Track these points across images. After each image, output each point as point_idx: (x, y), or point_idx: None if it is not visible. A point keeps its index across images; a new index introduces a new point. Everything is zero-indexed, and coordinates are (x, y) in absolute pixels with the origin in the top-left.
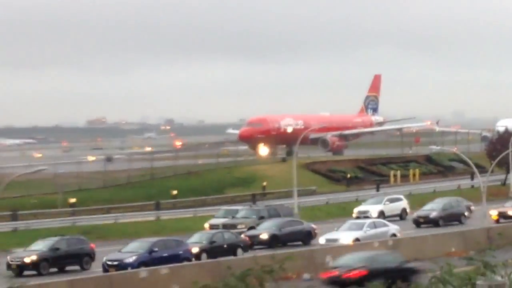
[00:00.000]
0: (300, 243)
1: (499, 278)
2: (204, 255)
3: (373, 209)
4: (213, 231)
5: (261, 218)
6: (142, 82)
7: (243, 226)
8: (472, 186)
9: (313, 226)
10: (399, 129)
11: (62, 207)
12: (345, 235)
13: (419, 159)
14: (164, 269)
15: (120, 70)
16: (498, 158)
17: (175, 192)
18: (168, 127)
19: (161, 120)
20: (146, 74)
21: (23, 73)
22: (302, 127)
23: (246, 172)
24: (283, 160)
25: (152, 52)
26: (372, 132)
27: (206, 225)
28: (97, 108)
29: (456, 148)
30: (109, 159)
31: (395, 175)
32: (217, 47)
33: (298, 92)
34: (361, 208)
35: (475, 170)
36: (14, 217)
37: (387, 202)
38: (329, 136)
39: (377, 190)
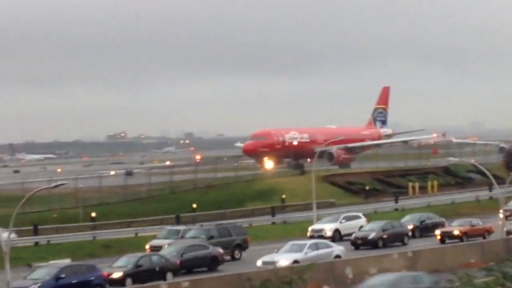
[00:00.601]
0: (205, 269)
1: None
2: (128, 280)
3: (328, 228)
4: (140, 254)
5: (211, 238)
6: (162, 97)
7: None
8: (491, 198)
9: (220, 250)
10: (405, 142)
11: (83, 221)
12: (283, 257)
13: (437, 171)
14: (184, 282)
15: (140, 85)
16: None
17: (194, 205)
18: (187, 141)
19: (180, 134)
20: (165, 89)
21: (44, 88)
22: (308, 140)
23: (265, 185)
24: (302, 173)
25: (171, 66)
26: (379, 145)
27: (147, 247)
28: (117, 123)
29: (474, 160)
30: (129, 173)
31: (413, 187)
32: (237, 61)
33: (318, 105)
34: (316, 226)
35: (493, 181)
36: (35, 232)
37: (344, 220)
38: (335, 149)
39: (396, 202)
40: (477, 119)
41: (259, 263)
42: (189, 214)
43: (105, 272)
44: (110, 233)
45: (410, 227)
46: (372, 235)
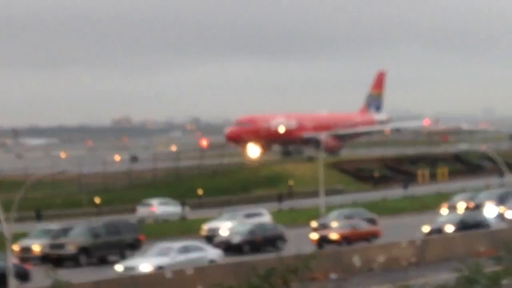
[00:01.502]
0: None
1: None
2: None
3: (225, 226)
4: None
5: (96, 236)
6: (168, 81)
7: (73, 247)
8: (502, 185)
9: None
10: (397, 129)
11: (87, 207)
12: (146, 262)
13: (448, 158)
14: (189, 269)
15: (146, 70)
16: None
17: (201, 191)
18: (194, 126)
19: (187, 119)
20: (172, 73)
21: (49, 72)
22: (295, 126)
23: (273, 172)
24: (310, 159)
25: (178, 51)
26: (369, 132)
27: (17, 249)
28: (122, 108)
29: (485, 147)
30: (134, 159)
31: (423, 174)
32: (244, 46)
33: (327, 90)
34: (212, 224)
35: (504, 168)
36: (38, 217)
37: (243, 218)
38: (323, 135)
39: (405, 189)
40: (489, 105)
41: (119, 268)
42: (195, 200)
43: None
44: (118, 218)
45: (335, 224)
46: (236, 239)
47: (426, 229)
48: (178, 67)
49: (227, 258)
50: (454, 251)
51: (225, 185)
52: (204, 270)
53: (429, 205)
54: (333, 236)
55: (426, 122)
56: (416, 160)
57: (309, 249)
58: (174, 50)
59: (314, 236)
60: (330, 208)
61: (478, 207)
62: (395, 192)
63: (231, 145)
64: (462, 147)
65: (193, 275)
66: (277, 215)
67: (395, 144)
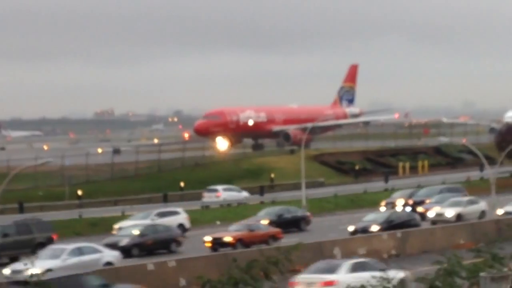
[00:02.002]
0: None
1: (506, 270)
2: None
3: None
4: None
5: (5, 236)
6: (150, 74)
7: None
8: (482, 178)
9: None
10: (366, 123)
11: (69, 199)
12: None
13: (428, 151)
14: (171, 261)
15: (128, 62)
16: (507, 150)
17: (182, 184)
18: (176, 119)
19: (169, 111)
20: (154, 66)
21: (31, 64)
22: (265, 119)
23: (254, 164)
24: (291, 151)
25: (160, 43)
26: (340, 125)
27: None
28: (105, 100)
29: (465, 140)
30: (116, 151)
31: (403, 167)
32: (225, 38)
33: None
34: (125, 223)
35: (484, 161)
36: (20, 209)
37: (156, 217)
38: (292, 129)
39: (386, 182)
40: (469, 98)
41: (6, 271)
42: (177, 193)
43: None
44: (97, 211)
45: (266, 222)
46: (124, 242)
47: (350, 228)
48: (160, 60)
49: (135, 259)
50: (434, 243)
51: (206, 177)
52: (186, 262)
53: None
54: (227, 238)
55: (396, 115)
56: (397, 153)
57: (203, 252)
58: (156, 42)
59: (208, 238)
60: (311, 202)
61: (418, 204)
62: (376, 185)
63: (199, 138)
64: (443, 140)
65: (175, 267)
66: (259, 208)
67: (376, 137)
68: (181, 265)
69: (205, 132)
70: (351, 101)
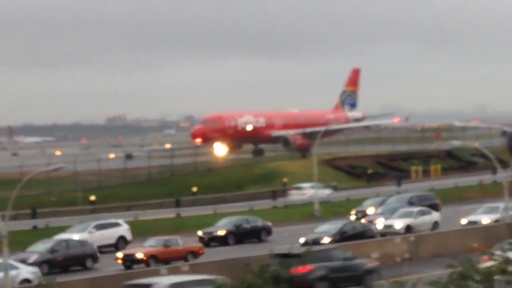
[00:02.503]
0: None
1: None
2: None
3: (74, 238)
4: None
5: None
6: (162, 79)
7: None
8: (494, 182)
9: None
10: (367, 127)
11: (82, 204)
12: None
13: (440, 155)
14: (184, 266)
15: (140, 67)
16: None
17: (195, 189)
18: (188, 124)
19: (181, 116)
20: (166, 71)
21: (43, 71)
22: (264, 124)
23: (267, 169)
24: (304, 156)
25: (172, 49)
26: (341, 130)
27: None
28: (117, 106)
29: (477, 143)
30: (129, 156)
31: (416, 171)
32: (236, 44)
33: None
34: (64, 235)
35: (497, 164)
36: (33, 215)
37: (94, 230)
38: (291, 134)
39: (398, 186)
40: (481, 102)
41: None
42: (189, 198)
43: None
44: (110, 216)
45: (223, 232)
46: (33, 258)
47: (301, 240)
48: (171, 65)
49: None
50: (448, 247)
51: (219, 182)
52: (199, 267)
53: None
54: (139, 255)
55: (396, 120)
56: (409, 157)
57: (116, 269)
58: (168, 48)
59: (119, 255)
60: (323, 206)
61: (361, 214)
62: (388, 189)
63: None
64: (455, 143)
65: (189, 271)
66: (271, 213)
67: (388, 141)
68: (195, 270)
69: (203, 138)
70: (353, 105)
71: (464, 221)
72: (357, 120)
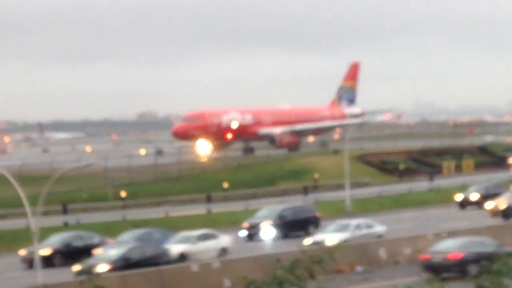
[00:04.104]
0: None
1: None
2: None
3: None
4: None
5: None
6: (193, 75)
7: None
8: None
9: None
10: (360, 124)
11: (112, 200)
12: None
13: (473, 150)
14: (215, 263)
15: (171, 63)
16: None
17: (226, 185)
18: None
19: None
20: (196, 67)
21: (74, 67)
22: (251, 122)
23: (298, 165)
24: (335, 152)
25: (202, 44)
26: (332, 127)
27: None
28: (147, 101)
29: (511, 138)
30: (159, 152)
31: (448, 166)
32: (266, 39)
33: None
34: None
35: None
36: (64, 211)
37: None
38: (278, 132)
39: (431, 182)
40: None
41: None
42: (220, 194)
43: None
44: (140, 212)
45: (49, 251)
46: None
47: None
48: (202, 61)
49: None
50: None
51: (250, 178)
52: (231, 263)
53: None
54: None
55: (387, 117)
56: (441, 153)
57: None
58: (199, 44)
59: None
60: (355, 202)
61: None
62: (420, 185)
63: (179, 142)
64: (487, 139)
65: (219, 268)
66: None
67: (421, 136)
68: (225, 266)
69: (184, 136)
70: (351, 101)
71: (308, 240)
72: (355, 116)
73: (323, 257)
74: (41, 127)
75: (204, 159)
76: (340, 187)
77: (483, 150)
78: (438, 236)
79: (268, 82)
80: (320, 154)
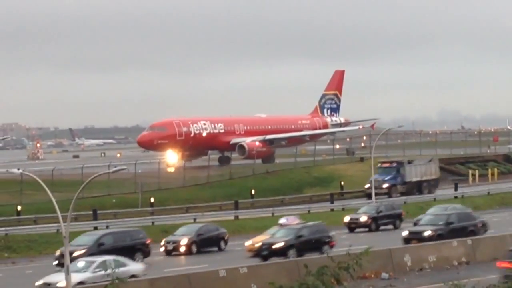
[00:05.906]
0: None
1: None
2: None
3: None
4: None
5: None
6: (222, 82)
7: None
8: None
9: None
10: (333, 133)
11: (142, 206)
12: None
13: (498, 159)
14: (243, 268)
15: (199, 71)
16: None
17: (253, 191)
18: None
19: None
20: (224, 74)
21: (104, 74)
22: (223, 131)
23: (324, 172)
24: (361, 159)
25: (229, 52)
26: (304, 136)
27: None
28: (176, 108)
29: None
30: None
31: (473, 175)
32: (294, 48)
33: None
34: None
35: None
36: (94, 216)
37: None
38: (248, 141)
39: (456, 190)
40: None
41: None
42: (248, 200)
43: None
44: (169, 218)
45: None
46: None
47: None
48: (230, 69)
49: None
50: (505, 250)
51: (277, 185)
52: (258, 269)
53: (479, 205)
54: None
55: (360, 127)
56: (466, 161)
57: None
58: (226, 52)
59: None
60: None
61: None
62: (445, 193)
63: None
64: None
65: (247, 273)
66: (329, 216)
67: (445, 145)
68: (253, 271)
69: (149, 145)
70: (335, 110)
71: (38, 282)
72: (338, 125)
73: (350, 264)
74: (72, 134)
75: (172, 169)
76: (368, 194)
77: (507, 158)
78: (463, 244)
79: (292, 89)
80: (346, 162)
